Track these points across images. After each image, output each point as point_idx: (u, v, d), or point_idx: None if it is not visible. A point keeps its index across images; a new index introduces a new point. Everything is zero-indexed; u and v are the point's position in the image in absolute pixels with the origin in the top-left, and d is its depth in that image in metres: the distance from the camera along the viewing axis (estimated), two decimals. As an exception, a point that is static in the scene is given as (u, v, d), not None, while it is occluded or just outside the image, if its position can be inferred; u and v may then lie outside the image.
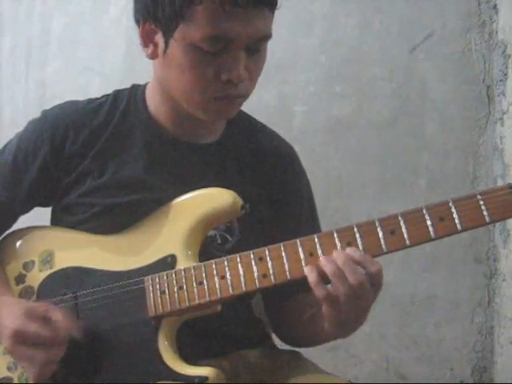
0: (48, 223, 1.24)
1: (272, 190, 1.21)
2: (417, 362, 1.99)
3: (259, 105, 1.99)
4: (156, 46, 1.08)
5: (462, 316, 1.95)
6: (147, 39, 1.09)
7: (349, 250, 0.93)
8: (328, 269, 0.93)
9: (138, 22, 1.10)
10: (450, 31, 1.97)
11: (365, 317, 1.01)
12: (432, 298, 1.98)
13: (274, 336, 1.29)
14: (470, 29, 1.95)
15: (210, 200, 1.07)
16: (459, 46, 1.96)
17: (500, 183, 1.88)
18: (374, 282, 0.94)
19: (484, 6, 1.94)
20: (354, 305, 0.94)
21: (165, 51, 1.06)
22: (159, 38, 1.07)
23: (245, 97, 1.11)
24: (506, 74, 1.84)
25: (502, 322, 1.87)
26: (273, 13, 1.07)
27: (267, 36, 1.06)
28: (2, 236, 1.23)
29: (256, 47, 1.05)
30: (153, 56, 1.10)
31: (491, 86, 1.92)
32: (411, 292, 1.99)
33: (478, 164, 1.94)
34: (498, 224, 1.88)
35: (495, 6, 1.91)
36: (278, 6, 1.07)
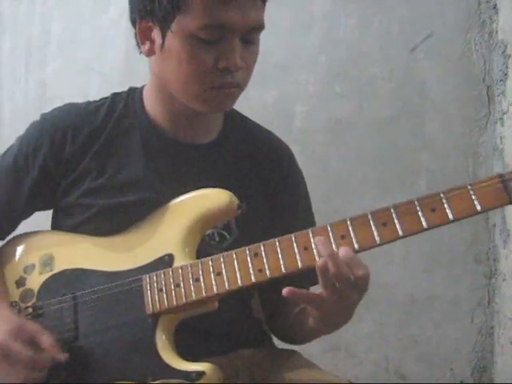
0: (48, 228, 1.24)
1: (268, 188, 1.22)
2: (417, 362, 1.99)
3: (259, 105, 1.98)
4: (153, 42, 1.10)
5: (462, 316, 1.95)
6: (144, 37, 1.11)
7: (341, 250, 0.94)
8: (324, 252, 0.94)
9: (133, 21, 1.12)
10: (450, 31, 1.97)
11: (349, 315, 1.02)
12: (432, 298, 1.98)
13: (273, 336, 1.29)
14: (470, 29, 1.95)
15: (206, 200, 1.08)
16: (459, 46, 1.96)
17: (500, 183, 1.87)
18: (359, 284, 0.94)
19: (484, 5, 1.93)
20: (337, 303, 0.95)
21: (162, 46, 1.08)
22: (156, 34, 1.09)
23: (241, 87, 1.12)
24: (506, 74, 1.84)
25: (502, 322, 1.86)
26: (264, 4, 1.10)
27: (261, 26, 1.09)
28: (4, 241, 1.23)
29: (250, 38, 1.08)
30: (150, 53, 1.12)
31: (491, 86, 1.92)
32: (411, 292, 1.99)
33: (478, 164, 1.94)
34: (497, 224, 1.88)
35: (495, 6, 1.91)
36: None
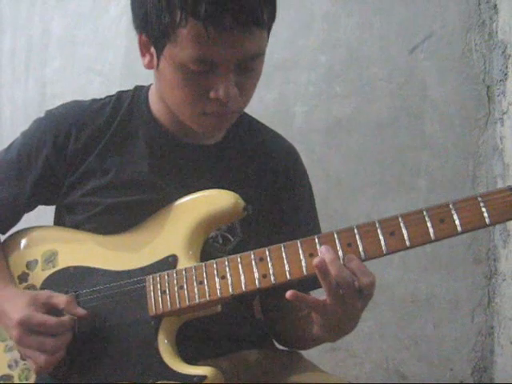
0: (51, 223, 1.24)
1: (273, 190, 1.22)
2: (417, 362, 1.99)
3: (259, 105, 1.98)
4: (152, 56, 1.08)
5: (462, 316, 1.95)
6: (144, 49, 1.09)
7: (347, 257, 0.93)
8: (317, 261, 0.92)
9: (136, 30, 1.10)
10: (450, 31, 1.97)
11: (354, 324, 1.01)
12: (432, 298, 1.98)
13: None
14: (469, 29, 1.95)
15: (212, 201, 1.07)
16: (459, 46, 1.96)
17: (500, 183, 1.88)
18: (364, 292, 0.93)
19: (484, 5, 1.93)
20: (340, 309, 0.94)
21: (157, 66, 1.07)
22: (153, 51, 1.07)
23: (236, 112, 1.10)
24: (506, 74, 1.84)
25: (502, 322, 1.87)
26: (266, 29, 1.04)
27: (258, 54, 1.03)
28: (7, 235, 1.23)
29: (246, 66, 1.03)
30: (149, 66, 1.10)
31: (491, 86, 1.92)
32: (411, 292, 1.99)
33: (478, 164, 1.94)
34: (498, 224, 1.88)
35: (495, 6, 1.91)
36: (272, 20, 1.04)
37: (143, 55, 1.10)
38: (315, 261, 0.92)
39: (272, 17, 1.04)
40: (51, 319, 1.03)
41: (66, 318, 1.04)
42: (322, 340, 1.10)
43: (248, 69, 1.04)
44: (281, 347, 1.27)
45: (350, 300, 0.93)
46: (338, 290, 0.92)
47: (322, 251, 0.93)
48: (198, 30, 0.97)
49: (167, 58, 1.03)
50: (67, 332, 1.03)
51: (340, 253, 0.94)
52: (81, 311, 1.05)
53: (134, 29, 1.10)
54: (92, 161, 1.16)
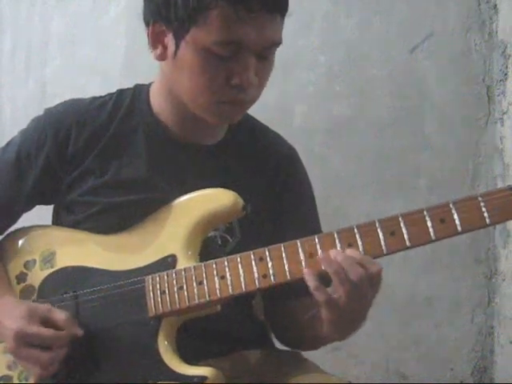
0: (49, 222, 1.24)
1: (273, 191, 1.21)
2: (417, 362, 1.99)
3: (259, 105, 1.98)
4: (165, 47, 1.08)
5: (461, 316, 1.95)
6: (156, 40, 1.09)
7: (349, 251, 0.93)
8: (329, 268, 0.93)
9: (147, 22, 1.09)
10: (450, 31, 1.97)
11: (363, 320, 1.01)
12: (432, 299, 1.98)
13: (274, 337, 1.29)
14: (469, 29, 1.95)
15: (210, 200, 1.07)
16: (459, 46, 1.96)
17: (500, 183, 1.88)
18: (374, 282, 0.94)
19: (484, 5, 1.93)
20: (353, 306, 0.94)
21: (175, 54, 1.06)
22: (169, 40, 1.06)
23: (252, 102, 1.11)
24: (506, 74, 1.84)
25: (502, 322, 1.87)
26: (283, 19, 1.07)
27: (278, 43, 1.07)
28: (5, 234, 1.23)
29: (266, 54, 1.06)
30: (162, 58, 1.10)
31: (491, 86, 1.92)
32: (411, 292, 1.99)
33: (478, 164, 1.94)
34: (498, 224, 1.88)
35: (495, 6, 1.91)
36: (288, 12, 1.08)
37: (155, 47, 1.10)
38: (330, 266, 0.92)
39: (287, 7, 1.07)
40: (47, 332, 1.02)
41: (62, 332, 1.02)
42: (331, 338, 1.09)
43: (265, 57, 1.06)
44: (281, 347, 1.27)
45: (364, 294, 0.93)
46: (356, 290, 0.92)
47: (334, 254, 0.93)
48: (227, 12, 0.99)
49: (190, 43, 1.04)
50: (63, 347, 1.02)
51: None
52: (78, 331, 1.04)
53: (145, 22, 1.10)
54: (91, 160, 1.15)
